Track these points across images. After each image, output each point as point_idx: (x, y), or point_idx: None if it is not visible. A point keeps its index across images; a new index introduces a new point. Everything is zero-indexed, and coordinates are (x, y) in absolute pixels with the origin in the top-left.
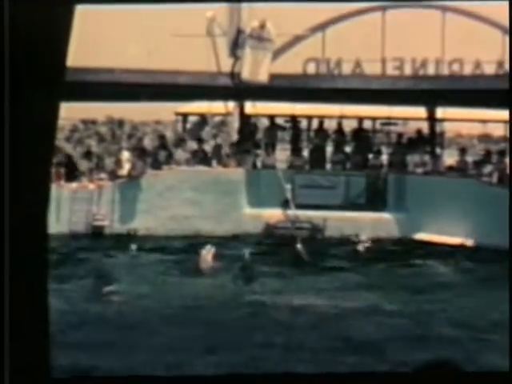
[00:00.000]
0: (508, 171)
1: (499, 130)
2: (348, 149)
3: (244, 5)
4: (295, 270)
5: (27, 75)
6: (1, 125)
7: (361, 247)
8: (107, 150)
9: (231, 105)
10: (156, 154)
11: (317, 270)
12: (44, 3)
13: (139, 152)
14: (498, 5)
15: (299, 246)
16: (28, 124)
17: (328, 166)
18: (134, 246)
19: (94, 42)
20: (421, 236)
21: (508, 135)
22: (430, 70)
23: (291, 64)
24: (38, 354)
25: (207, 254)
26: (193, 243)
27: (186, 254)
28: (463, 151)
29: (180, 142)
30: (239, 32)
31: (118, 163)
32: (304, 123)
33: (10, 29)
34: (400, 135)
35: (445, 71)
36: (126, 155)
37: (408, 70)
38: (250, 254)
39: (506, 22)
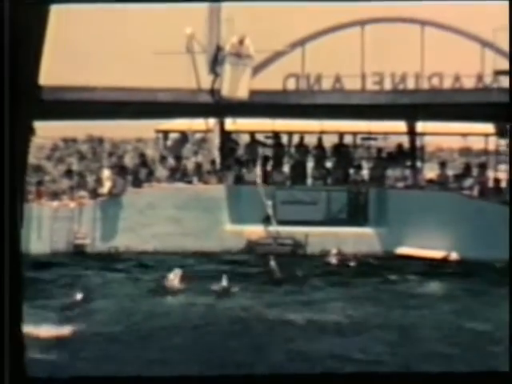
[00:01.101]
0: (489, 184)
1: (479, 144)
2: (329, 164)
3: (223, 20)
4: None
5: None
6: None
7: (333, 259)
8: (88, 168)
9: (212, 121)
10: (137, 172)
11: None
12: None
13: (120, 170)
14: (477, 18)
15: (272, 263)
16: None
17: (309, 181)
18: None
19: (73, 60)
20: (402, 250)
21: (487, 148)
22: (410, 85)
23: (271, 80)
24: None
25: (174, 277)
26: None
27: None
28: (444, 165)
29: (161, 159)
30: (218, 49)
31: (99, 181)
32: (284, 139)
33: None
34: (380, 150)
35: (424, 85)
36: (106, 173)
37: (388, 85)
38: (228, 279)
39: (485, 35)
